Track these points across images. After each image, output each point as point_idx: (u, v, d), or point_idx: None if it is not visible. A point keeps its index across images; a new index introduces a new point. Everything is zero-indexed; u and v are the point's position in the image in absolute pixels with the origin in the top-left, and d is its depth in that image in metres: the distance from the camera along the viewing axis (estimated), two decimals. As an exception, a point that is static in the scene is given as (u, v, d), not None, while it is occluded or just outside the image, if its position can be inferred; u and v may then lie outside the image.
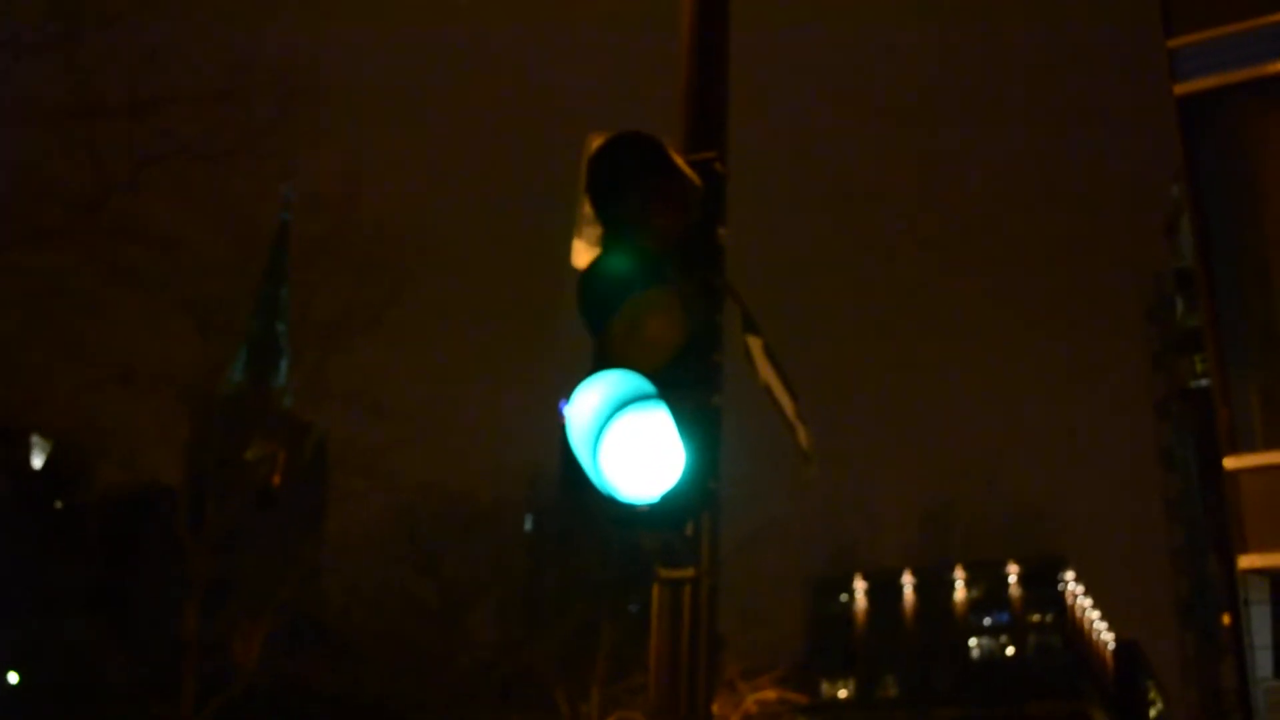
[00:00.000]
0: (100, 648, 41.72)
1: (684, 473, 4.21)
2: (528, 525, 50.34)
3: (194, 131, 20.68)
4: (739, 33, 5.29)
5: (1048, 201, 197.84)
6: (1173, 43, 15.69)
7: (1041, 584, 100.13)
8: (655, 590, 4.42)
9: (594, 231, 4.65)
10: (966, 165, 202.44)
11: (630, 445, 4.46)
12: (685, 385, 4.32)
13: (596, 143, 4.58)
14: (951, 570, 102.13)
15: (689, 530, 4.35)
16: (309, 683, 40.10)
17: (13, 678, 49.71)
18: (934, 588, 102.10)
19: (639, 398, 4.45)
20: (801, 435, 5.38)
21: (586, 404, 4.41)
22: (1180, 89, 15.46)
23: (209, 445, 31.21)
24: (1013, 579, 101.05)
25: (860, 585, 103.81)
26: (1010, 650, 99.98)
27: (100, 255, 20.31)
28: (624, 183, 4.57)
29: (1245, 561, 13.11)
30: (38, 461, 56.93)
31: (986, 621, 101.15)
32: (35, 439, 55.52)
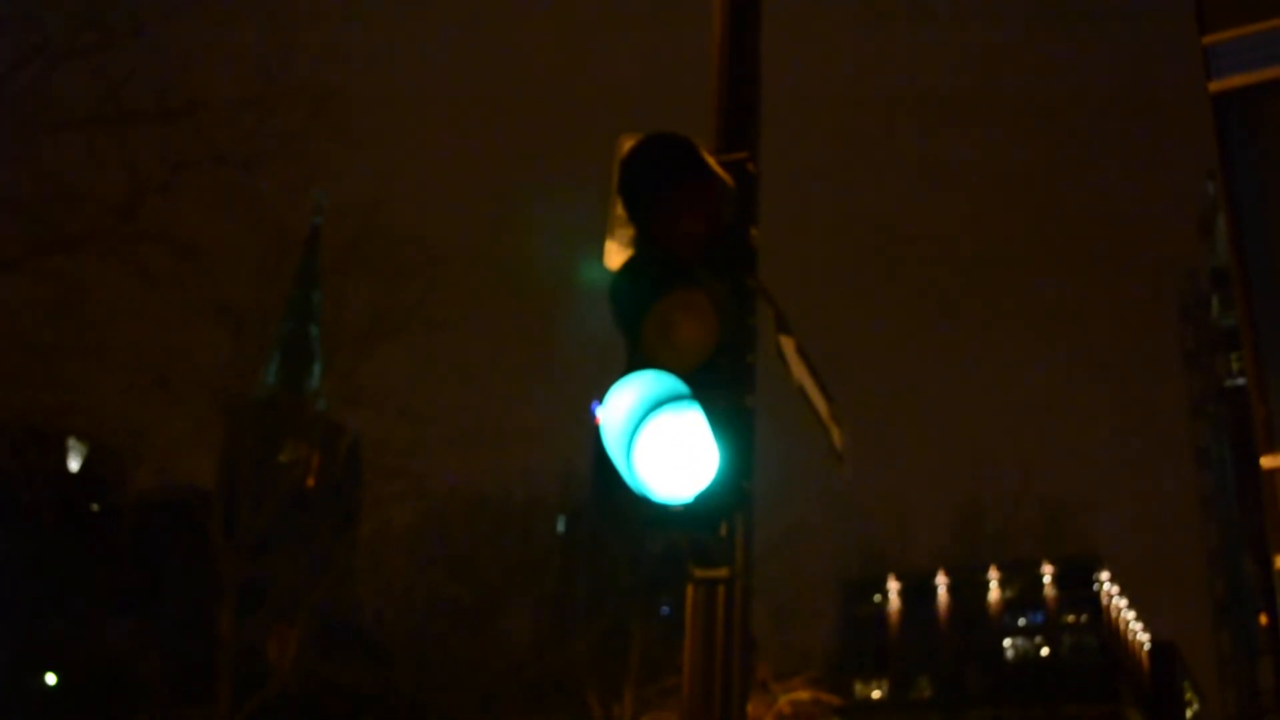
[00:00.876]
0: (136, 649, 41.98)
1: (718, 473, 4.21)
2: (560, 527, 50.40)
3: (226, 137, 20.77)
4: (772, 34, 5.29)
5: (1083, 200, 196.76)
6: (1207, 40, 15.61)
7: (1076, 584, 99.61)
8: (689, 590, 4.42)
9: (626, 232, 4.66)
10: (1002, 165, 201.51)
11: (664, 446, 4.46)
12: (718, 386, 4.32)
13: (628, 144, 4.59)
14: (985, 571, 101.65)
15: (723, 530, 4.35)
16: (343, 685, 40.23)
17: (50, 678, 50.15)
18: (968, 588, 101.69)
19: (672, 398, 4.45)
20: (836, 436, 5.38)
21: (620, 405, 4.42)
22: (1215, 86, 15.37)
23: (243, 449, 31.38)
24: (1047, 579, 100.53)
25: (894, 586, 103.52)
26: (1045, 651, 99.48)
27: (133, 261, 20.42)
28: (656, 183, 4.57)
29: (1283, 561, 13.00)
30: (74, 465, 57.37)
31: (1021, 622, 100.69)
32: (71, 443, 55.95)
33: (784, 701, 41.93)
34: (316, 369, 49.89)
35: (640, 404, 4.47)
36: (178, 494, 40.80)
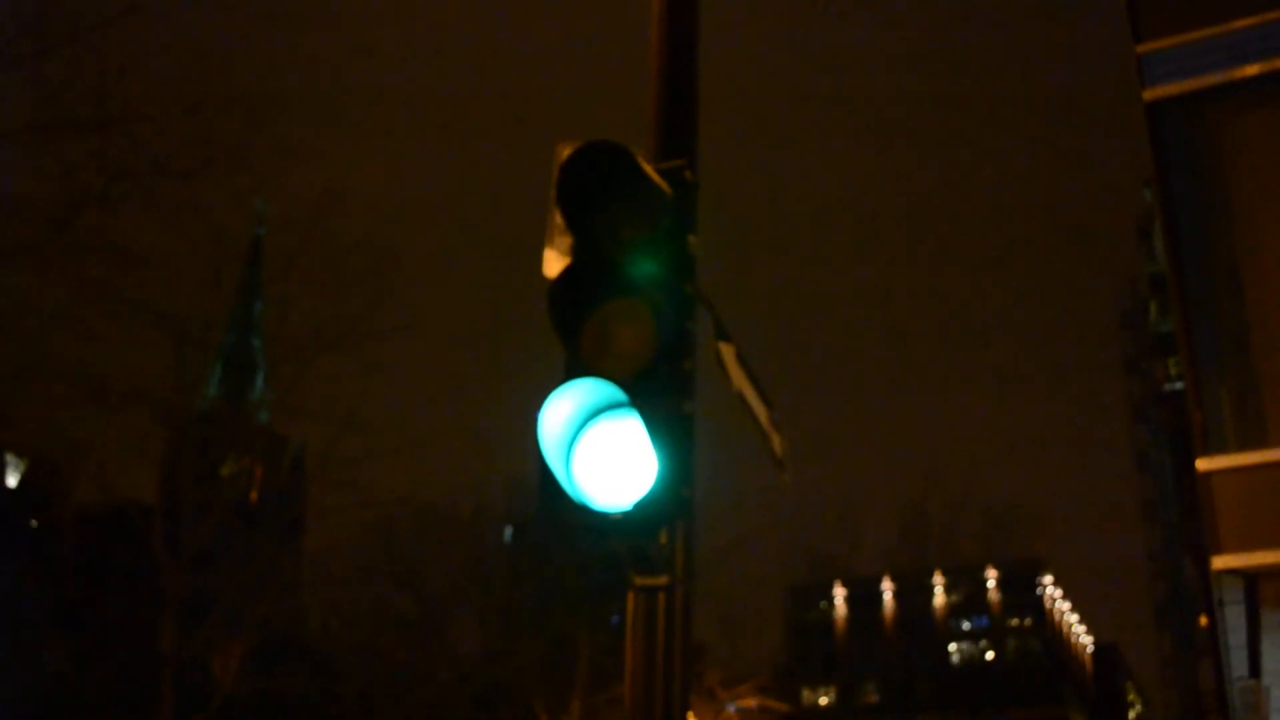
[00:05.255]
0: (77, 666, 41.47)
1: (656, 480, 4.21)
2: (507, 536, 50.27)
3: (164, 146, 20.55)
4: (712, 39, 5.31)
5: (1023, 205, 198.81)
6: (1142, 48, 15.79)
7: (1020, 588, 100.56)
8: (630, 598, 4.42)
9: (565, 240, 4.66)
10: (940, 169, 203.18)
11: (603, 454, 4.46)
12: (657, 393, 4.31)
13: (566, 152, 4.58)
14: (930, 576, 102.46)
15: (663, 538, 4.35)
16: (288, 698, 39.91)
17: (-11, 697, 49.41)
18: (913, 594, 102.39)
19: (610, 406, 4.46)
20: (776, 443, 5.39)
21: (558, 413, 4.42)
22: (1150, 94, 15.56)
23: (184, 461, 31.02)
24: (991, 584, 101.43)
25: (840, 592, 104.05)
26: (990, 655, 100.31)
27: (70, 272, 20.19)
28: (594, 192, 4.57)
29: (1219, 562, 13.18)
30: (12, 480, 56.60)
31: (966, 626, 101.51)
32: (9, 458, 55.19)
33: (732, 709, 42.04)
34: (259, 380, 49.47)
35: (578, 412, 4.47)
36: (118, 508, 40.34)
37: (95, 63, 18.85)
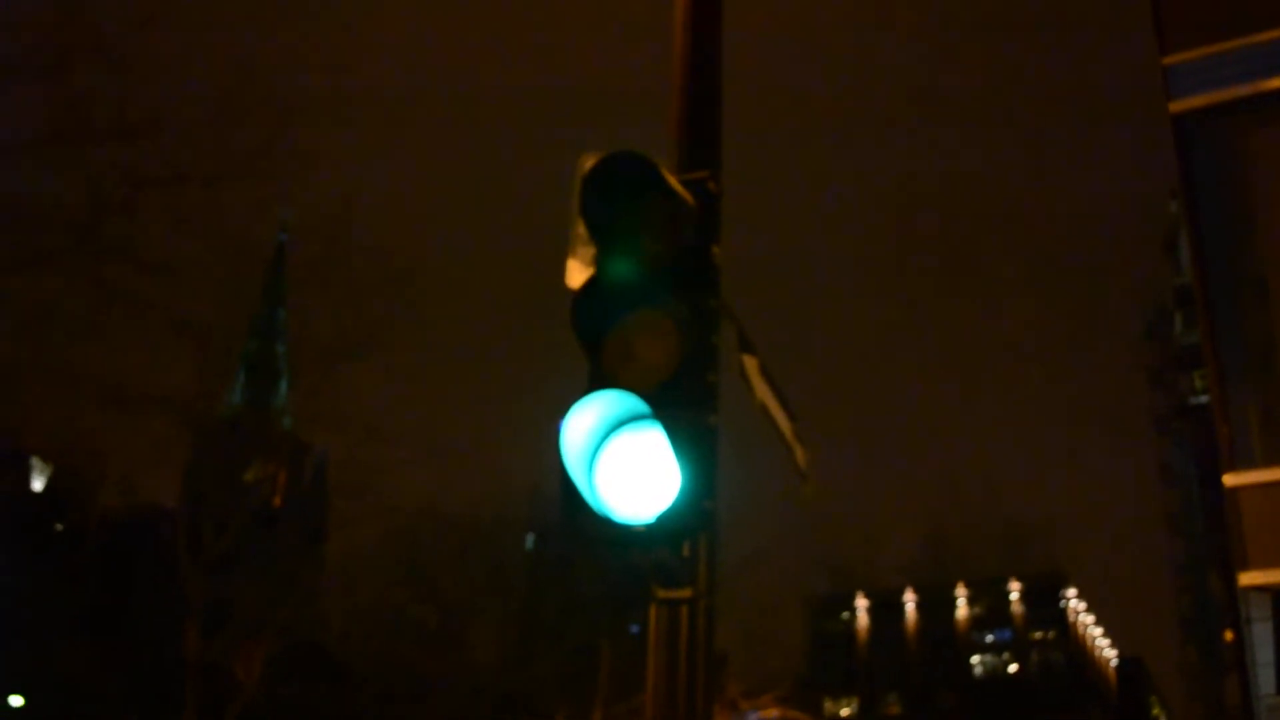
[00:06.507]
0: (101, 670, 41.61)
1: (680, 493, 4.19)
2: (528, 544, 50.22)
3: (188, 154, 20.66)
4: (736, 53, 5.29)
5: (1048, 218, 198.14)
6: (1168, 60, 15.71)
7: (1043, 601, 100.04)
8: (652, 611, 4.40)
9: (588, 251, 4.64)
10: (966, 184, 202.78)
11: (626, 466, 4.44)
12: (680, 405, 4.29)
13: (590, 162, 4.57)
14: (953, 588, 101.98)
15: (686, 551, 4.33)
16: (308, 705, 39.97)
17: (16, 700, 49.59)
18: (936, 606, 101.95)
19: (634, 418, 4.43)
20: (799, 454, 5.38)
21: (581, 424, 4.40)
22: (1176, 106, 15.47)
23: (208, 467, 31.16)
24: (1015, 596, 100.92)
25: (862, 603, 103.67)
26: (1013, 668, 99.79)
27: (95, 280, 20.29)
28: (617, 203, 4.56)
29: (1246, 578, 13.08)
30: (38, 485, 56.91)
31: (989, 639, 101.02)
32: (35, 462, 55.50)
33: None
34: (283, 387, 49.63)
35: (602, 423, 4.45)
36: (143, 513, 40.52)
37: (116, 71, 18.95)
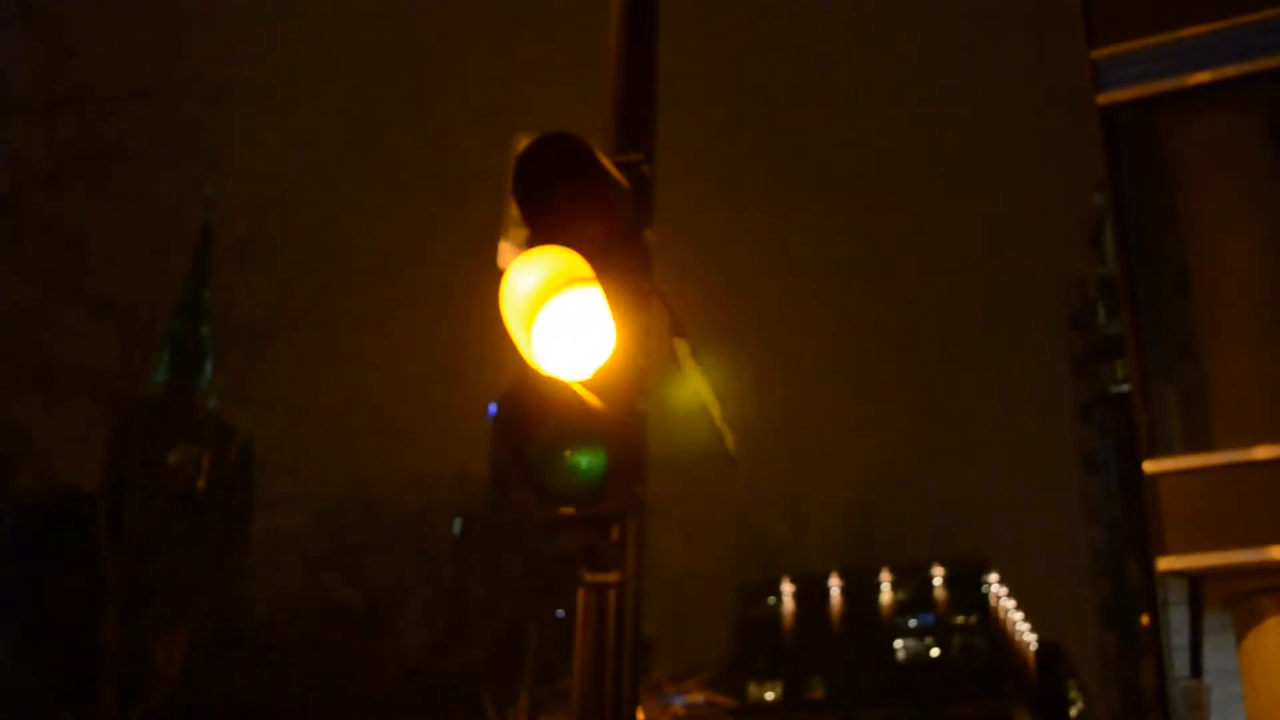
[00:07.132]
0: (16, 658, 40.89)
1: (608, 476, 4.17)
2: (456, 529, 49.99)
3: (114, 130, 20.26)
4: (671, 36, 5.27)
5: (974, 206, 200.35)
6: (1096, 53, 15.89)
7: (966, 586, 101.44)
8: (580, 595, 4.38)
9: (520, 233, 4.60)
10: (894, 168, 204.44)
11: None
12: (611, 390, 4.28)
13: (523, 143, 4.53)
14: (878, 573, 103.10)
15: (615, 535, 4.31)
16: (231, 689, 39.53)
17: (-75, 688, 48.59)
18: (860, 590, 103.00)
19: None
20: (728, 439, 5.38)
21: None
22: (1103, 99, 15.66)
23: (130, 449, 30.64)
24: (938, 581, 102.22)
25: (788, 588, 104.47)
26: (935, 652, 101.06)
27: (16, 256, 19.89)
28: (550, 184, 4.53)
29: (1164, 564, 13.30)
30: (-48, 467, 55.74)
31: (912, 623, 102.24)
32: (-51, 444, 54.35)
33: (679, 703, 42.10)
34: (208, 368, 48.97)
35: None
36: (61, 496, 39.76)
37: (43, 43, 18.56)
